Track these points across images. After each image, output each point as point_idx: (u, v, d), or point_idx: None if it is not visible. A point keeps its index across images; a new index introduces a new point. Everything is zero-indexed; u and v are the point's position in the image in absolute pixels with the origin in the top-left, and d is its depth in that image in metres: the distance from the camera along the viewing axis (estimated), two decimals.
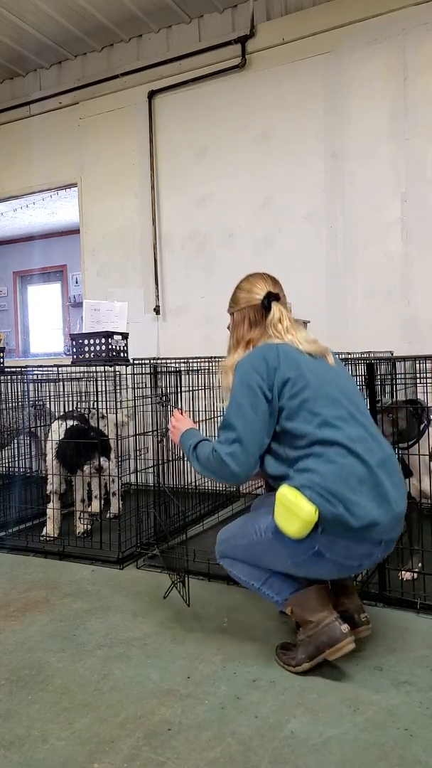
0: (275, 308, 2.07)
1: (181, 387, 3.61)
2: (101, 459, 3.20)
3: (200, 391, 3.80)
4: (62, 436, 3.30)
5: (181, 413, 2.30)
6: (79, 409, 3.73)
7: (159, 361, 3.36)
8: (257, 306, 2.10)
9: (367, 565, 1.99)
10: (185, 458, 2.14)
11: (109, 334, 3.17)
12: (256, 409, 1.93)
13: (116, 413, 3.33)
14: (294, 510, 1.81)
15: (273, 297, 2.09)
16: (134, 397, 3.18)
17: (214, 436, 3.96)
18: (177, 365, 3.61)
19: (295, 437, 1.91)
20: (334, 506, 1.81)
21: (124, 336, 3.28)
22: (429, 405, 2.66)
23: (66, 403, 3.78)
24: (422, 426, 2.56)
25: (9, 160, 5.49)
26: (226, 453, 1.94)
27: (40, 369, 3.94)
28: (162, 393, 3.01)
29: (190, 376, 3.69)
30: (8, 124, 5.45)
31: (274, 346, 1.99)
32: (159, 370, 3.09)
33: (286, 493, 1.85)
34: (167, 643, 2.18)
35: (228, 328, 2.24)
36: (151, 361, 3.20)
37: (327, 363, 2.05)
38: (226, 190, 4.51)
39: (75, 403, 3.82)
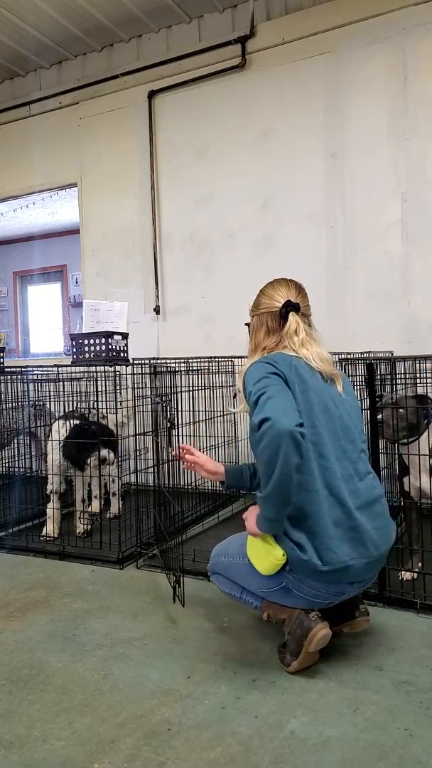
0: (292, 319, 2.02)
1: (181, 387, 3.61)
2: (105, 450, 3.20)
3: (200, 391, 3.80)
4: (66, 434, 3.30)
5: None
6: (79, 409, 3.73)
7: (159, 361, 3.36)
8: (275, 313, 2.06)
9: (338, 601, 1.97)
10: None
11: (109, 334, 3.16)
12: (277, 381, 1.85)
13: (116, 413, 3.33)
14: (263, 550, 1.86)
15: (291, 306, 2.04)
16: (134, 397, 3.18)
17: (215, 436, 3.99)
18: (177, 365, 3.61)
19: None
20: (303, 551, 1.82)
21: (124, 336, 3.28)
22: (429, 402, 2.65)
23: (66, 403, 3.78)
24: (425, 421, 2.56)
25: (9, 160, 5.49)
26: (261, 418, 1.71)
27: (40, 369, 3.94)
28: (158, 393, 3.01)
29: (191, 376, 3.69)
30: (8, 124, 5.45)
31: (288, 357, 1.95)
32: (158, 370, 3.09)
33: None
34: (167, 643, 2.18)
35: (247, 326, 2.21)
36: (151, 361, 3.20)
37: (335, 389, 1.99)
38: (226, 190, 4.51)
39: (75, 403, 3.82)
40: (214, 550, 2.22)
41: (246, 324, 2.23)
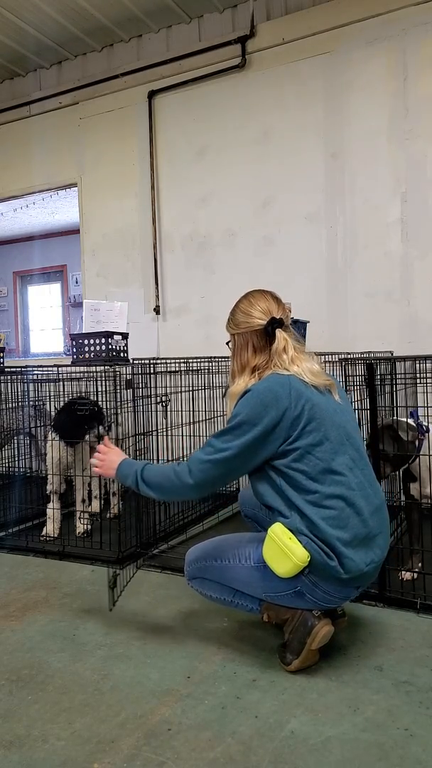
0: (279, 336, 1.95)
1: (181, 387, 3.61)
2: (100, 428, 3.21)
3: (200, 392, 3.80)
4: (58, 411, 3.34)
5: (107, 445, 2.21)
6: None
7: (159, 361, 3.36)
8: (260, 331, 1.98)
9: (342, 604, 2.01)
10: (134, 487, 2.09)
11: (109, 334, 3.16)
12: (256, 450, 1.87)
13: (115, 424, 3.33)
14: (286, 552, 1.81)
15: (277, 323, 1.97)
16: (134, 397, 3.18)
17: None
18: (177, 365, 3.62)
19: (298, 481, 1.87)
20: (331, 558, 1.83)
21: (124, 336, 3.28)
22: (419, 421, 2.63)
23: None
24: (418, 441, 2.55)
25: (9, 160, 5.48)
26: (202, 462, 1.91)
27: (40, 369, 3.94)
28: (152, 393, 3.02)
29: (191, 376, 3.69)
30: (8, 124, 5.45)
31: (286, 381, 1.89)
32: (158, 370, 3.09)
33: (279, 533, 1.84)
34: (167, 643, 2.18)
35: (227, 344, 2.15)
36: (151, 361, 3.20)
37: (333, 400, 1.97)
38: (226, 190, 4.51)
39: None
40: (192, 554, 2.14)
41: (227, 343, 2.15)
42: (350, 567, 1.84)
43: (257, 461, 1.90)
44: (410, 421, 2.60)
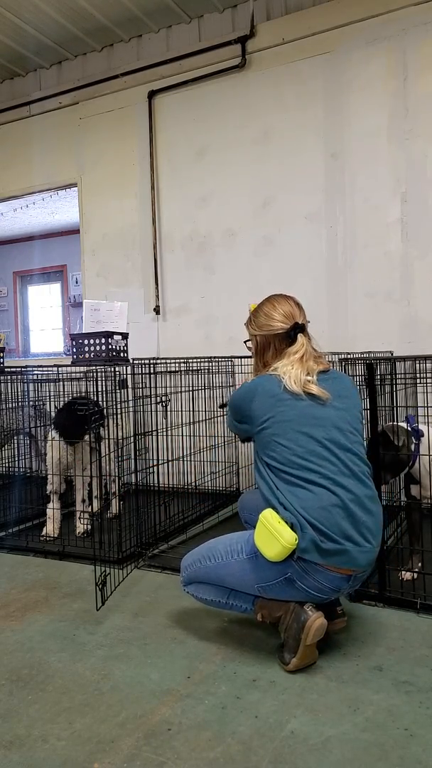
0: (300, 340, 2.09)
1: (181, 387, 3.61)
2: (99, 431, 3.23)
3: (200, 392, 3.80)
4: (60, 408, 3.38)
5: None
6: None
7: (159, 361, 3.36)
8: (282, 335, 2.12)
9: (334, 597, 2.03)
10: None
11: (109, 334, 3.16)
12: (240, 427, 2.19)
13: (116, 427, 3.34)
14: (275, 534, 1.87)
15: (300, 329, 2.10)
16: (134, 397, 3.18)
17: (215, 436, 3.99)
18: (177, 365, 3.62)
19: (273, 466, 1.99)
20: (306, 530, 1.86)
21: (124, 336, 3.27)
22: (414, 425, 2.61)
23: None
24: (414, 446, 2.54)
25: (9, 160, 5.48)
26: (228, 422, 2.32)
27: (40, 369, 3.94)
28: (152, 393, 3.01)
29: (191, 376, 3.69)
30: (8, 124, 5.45)
31: (264, 380, 2.06)
32: (158, 370, 3.09)
33: (268, 517, 1.91)
34: (167, 643, 2.18)
35: (246, 343, 2.28)
36: (151, 361, 3.20)
37: (313, 400, 2.00)
38: (226, 190, 4.51)
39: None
40: (186, 560, 2.21)
41: (245, 342, 2.29)
42: (326, 533, 1.86)
43: (246, 434, 2.17)
44: (404, 425, 2.59)
